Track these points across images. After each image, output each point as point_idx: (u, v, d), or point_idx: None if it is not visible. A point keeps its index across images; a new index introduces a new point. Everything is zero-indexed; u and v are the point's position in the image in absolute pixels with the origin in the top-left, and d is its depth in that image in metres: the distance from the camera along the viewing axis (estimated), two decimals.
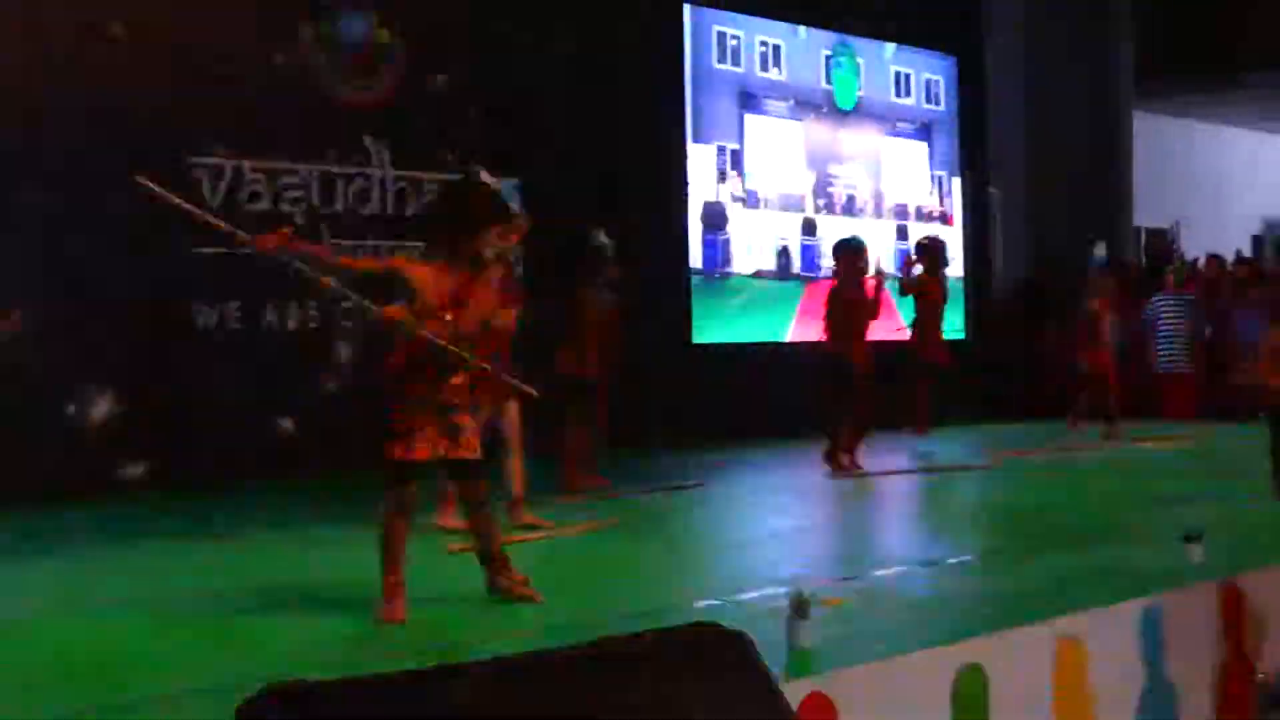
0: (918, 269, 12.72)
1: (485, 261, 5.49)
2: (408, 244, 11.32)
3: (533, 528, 7.52)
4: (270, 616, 5.46)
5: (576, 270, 9.41)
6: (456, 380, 5.46)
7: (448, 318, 5.40)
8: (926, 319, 12.64)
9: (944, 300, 12.81)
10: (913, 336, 12.69)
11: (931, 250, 12.83)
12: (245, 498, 9.75)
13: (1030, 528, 7.50)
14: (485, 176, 5.68)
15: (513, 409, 7.68)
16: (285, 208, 11.09)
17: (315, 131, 11.34)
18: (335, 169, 11.38)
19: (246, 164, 10.90)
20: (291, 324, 11.11)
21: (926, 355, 12.60)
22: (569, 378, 9.34)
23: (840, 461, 10.80)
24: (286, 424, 10.97)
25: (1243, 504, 8.25)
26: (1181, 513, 7.59)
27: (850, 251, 10.88)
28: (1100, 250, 13.13)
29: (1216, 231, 20.30)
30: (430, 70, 12.07)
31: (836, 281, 10.92)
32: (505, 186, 7.75)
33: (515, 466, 7.64)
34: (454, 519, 7.41)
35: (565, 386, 9.31)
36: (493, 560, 5.57)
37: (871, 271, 10.95)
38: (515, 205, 7.38)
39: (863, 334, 10.77)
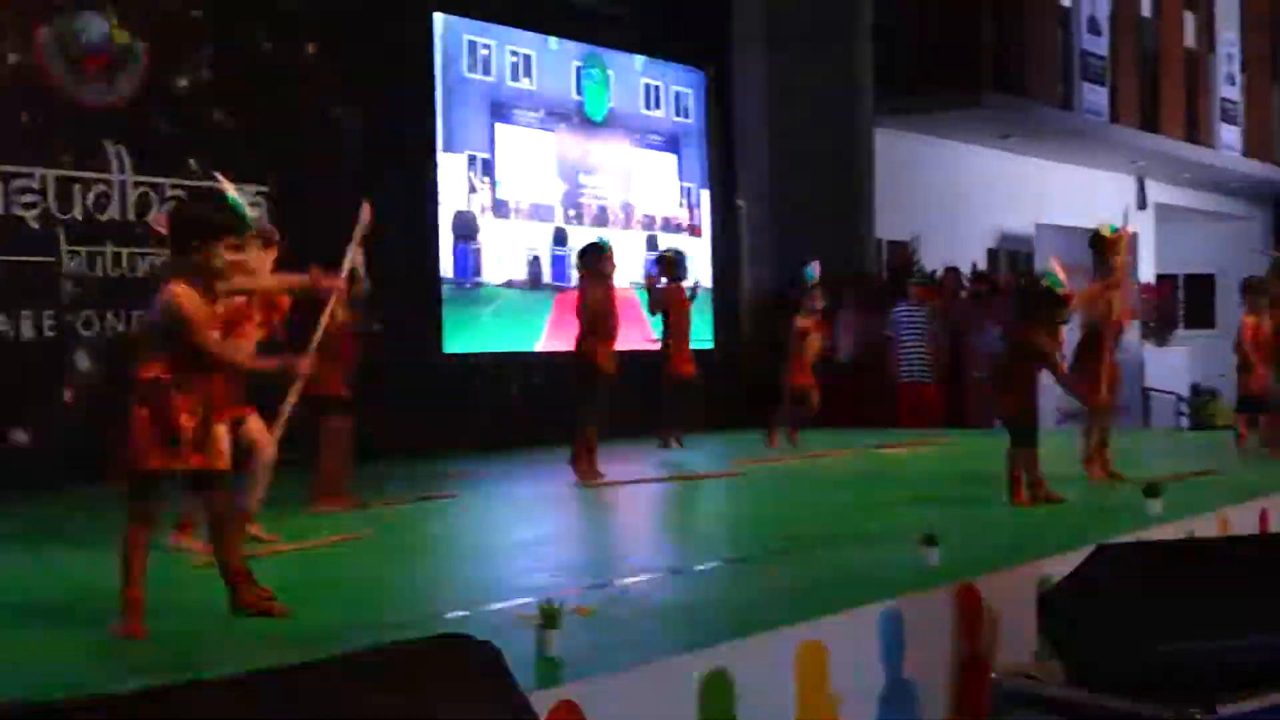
0: (662, 282, 12.74)
1: (218, 274, 5.38)
2: (147, 251, 11.14)
3: (259, 541, 7.33)
4: (3, 635, 5.28)
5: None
6: (211, 391, 5.38)
7: (215, 335, 5.37)
8: (674, 333, 12.66)
9: (688, 310, 12.82)
10: (661, 351, 12.71)
11: (672, 263, 12.84)
12: None
13: (774, 534, 7.63)
14: (225, 185, 5.53)
15: (255, 422, 7.54)
16: (19, 213, 10.74)
17: (51, 135, 10.98)
18: (72, 173, 11.04)
19: None
20: (27, 333, 10.75)
21: (674, 369, 12.62)
22: (317, 394, 9.18)
23: (584, 469, 10.84)
24: (20, 436, 10.63)
25: (980, 508, 8.49)
26: (920, 517, 7.75)
27: (595, 253, 10.90)
28: (813, 269, 13.31)
29: (955, 245, 20.92)
30: (169, 70, 11.76)
31: (583, 285, 10.88)
32: (246, 195, 7.55)
33: (256, 480, 7.47)
34: (191, 539, 7.23)
35: (314, 402, 9.20)
36: (236, 575, 5.47)
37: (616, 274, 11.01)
38: (259, 214, 7.22)
39: (610, 336, 10.80)
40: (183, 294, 5.28)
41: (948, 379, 16.56)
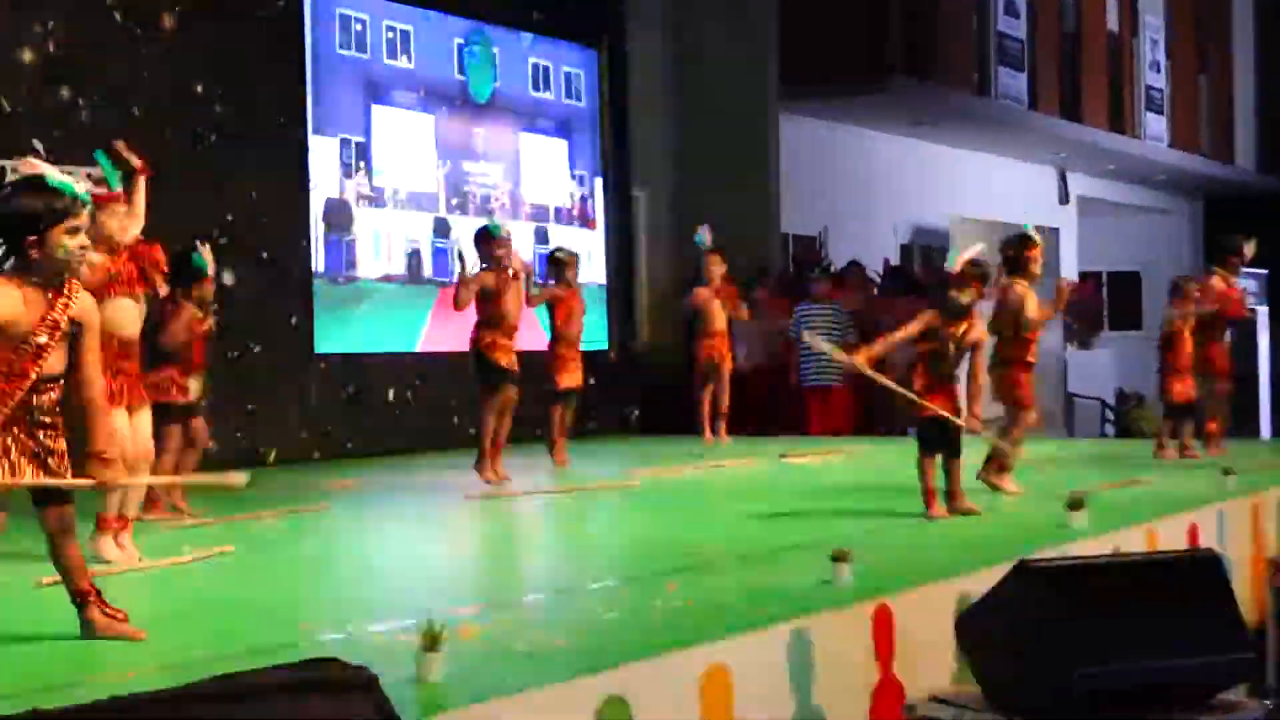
0: (550, 284, 12.48)
1: (64, 265, 5.28)
2: None
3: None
4: None
5: (172, 286, 8.99)
6: (50, 397, 5.28)
7: (41, 340, 5.20)
8: (560, 340, 12.30)
9: (579, 316, 12.55)
10: (546, 358, 12.40)
11: (563, 264, 12.49)
12: None
13: (674, 549, 7.64)
14: (39, 166, 5.36)
15: (144, 422, 7.53)
16: None
17: None
18: None
19: None
20: None
21: (561, 380, 12.32)
22: (163, 402, 8.94)
23: (490, 472, 10.84)
24: None
25: (894, 522, 8.54)
26: (831, 531, 7.78)
27: (485, 239, 10.93)
28: (705, 234, 13.36)
29: (866, 239, 20.99)
30: (13, 42, 11.52)
31: (479, 271, 10.89)
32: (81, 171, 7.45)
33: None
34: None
35: (158, 410, 8.86)
36: (83, 595, 5.37)
37: (514, 261, 11.02)
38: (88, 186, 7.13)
39: (510, 329, 10.83)
40: None
41: (858, 383, 16.49)
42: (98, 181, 7.34)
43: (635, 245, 17.85)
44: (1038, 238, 9.90)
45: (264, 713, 2.97)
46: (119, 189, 7.44)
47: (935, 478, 8.69)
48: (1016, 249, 9.80)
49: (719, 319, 13.58)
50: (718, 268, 13.59)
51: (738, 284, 14.67)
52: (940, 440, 8.67)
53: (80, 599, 5.37)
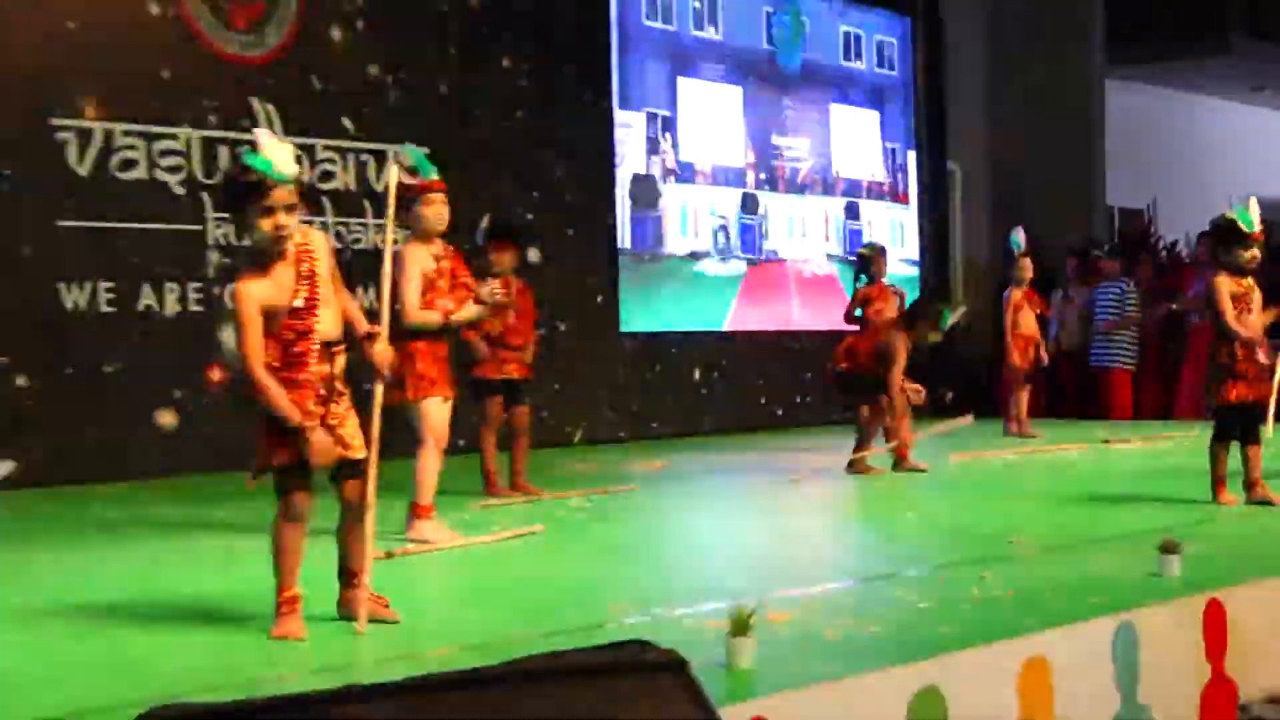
0: (860, 281, 11.89)
1: (261, 250, 5.32)
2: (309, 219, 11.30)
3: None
4: (156, 632, 5.43)
5: None
6: (339, 364, 5.40)
7: (300, 298, 5.35)
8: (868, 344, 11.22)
9: (894, 310, 11.67)
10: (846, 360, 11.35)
11: (870, 261, 11.84)
12: (124, 499, 9.68)
13: (991, 537, 7.53)
14: (260, 137, 5.33)
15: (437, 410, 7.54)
16: (161, 176, 10.97)
17: (196, 91, 11.19)
18: (218, 133, 11.22)
19: (119, 128, 10.76)
20: (173, 306, 11.02)
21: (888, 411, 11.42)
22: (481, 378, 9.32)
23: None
24: (169, 417, 10.89)
25: (1223, 511, 8.35)
26: (1156, 521, 7.66)
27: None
28: (1019, 235, 13.35)
29: (1198, 212, 19.55)
30: (322, 20, 11.83)
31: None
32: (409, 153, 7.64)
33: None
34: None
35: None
36: (352, 575, 5.50)
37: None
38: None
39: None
40: None
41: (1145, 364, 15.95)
42: (410, 170, 7.48)
43: (950, 220, 17.65)
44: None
45: (575, 694, 3.02)
46: (434, 177, 7.58)
47: (1224, 464, 8.57)
48: None
49: (1029, 321, 13.53)
50: (1028, 272, 13.45)
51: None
52: (1230, 424, 8.50)
53: (348, 579, 5.51)
